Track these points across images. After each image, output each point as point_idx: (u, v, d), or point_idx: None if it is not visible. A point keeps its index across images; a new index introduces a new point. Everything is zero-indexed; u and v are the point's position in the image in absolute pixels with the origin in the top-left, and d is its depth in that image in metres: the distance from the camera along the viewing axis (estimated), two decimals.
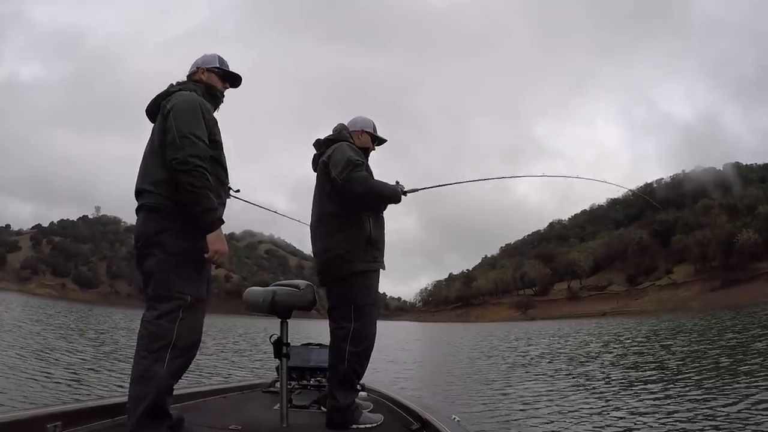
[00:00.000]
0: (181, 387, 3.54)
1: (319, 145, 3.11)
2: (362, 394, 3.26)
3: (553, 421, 6.38)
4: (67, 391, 7.26)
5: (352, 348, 2.79)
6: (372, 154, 3.25)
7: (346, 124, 3.22)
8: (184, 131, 2.28)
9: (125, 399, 2.16)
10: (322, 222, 2.97)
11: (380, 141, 3.28)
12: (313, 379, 3.77)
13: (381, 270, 3.00)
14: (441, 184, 3.53)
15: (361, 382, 2.99)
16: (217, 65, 2.66)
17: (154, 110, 2.49)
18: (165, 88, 2.54)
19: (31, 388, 7.18)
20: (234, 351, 16.39)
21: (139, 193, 2.39)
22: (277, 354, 2.83)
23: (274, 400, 3.29)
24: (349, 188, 2.80)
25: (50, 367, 9.36)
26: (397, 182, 3.08)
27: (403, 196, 3.05)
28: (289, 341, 2.86)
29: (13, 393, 6.65)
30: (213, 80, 2.63)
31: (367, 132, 3.20)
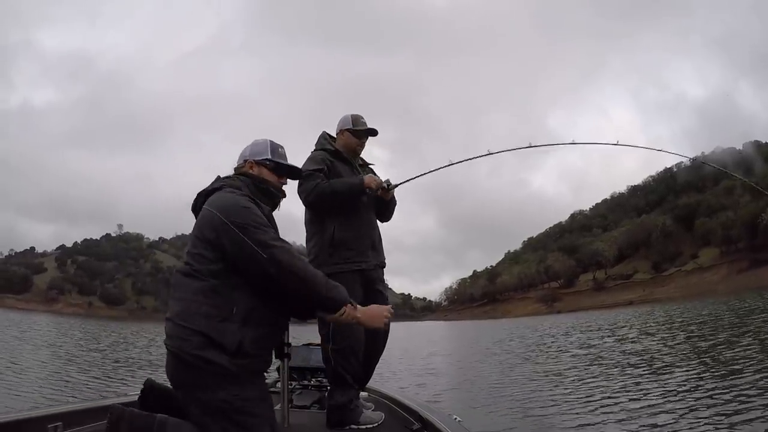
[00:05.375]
0: None
1: None
2: (363, 394, 3.25)
3: (558, 422, 6.23)
4: (68, 391, 7.35)
5: (334, 346, 2.84)
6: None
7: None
8: (248, 221, 1.84)
9: (125, 399, 2.12)
10: (306, 229, 3.08)
11: (368, 132, 3.17)
12: (314, 379, 3.78)
13: (363, 268, 2.98)
14: (430, 170, 3.45)
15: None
16: (269, 156, 2.16)
17: (196, 208, 2.05)
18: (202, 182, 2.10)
19: (32, 388, 7.27)
20: None
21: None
22: (278, 354, 2.80)
23: (274, 400, 3.27)
24: (304, 201, 2.94)
25: (51, 369, 9.50)
26: (388, 181, 3.12)
27: (384, 189, 3.08)
28: (290, 341, 2.85)
29: (14, 394, 6.73)
30: (264, 174, 2.15)
31: (346, 130, 3.14)
